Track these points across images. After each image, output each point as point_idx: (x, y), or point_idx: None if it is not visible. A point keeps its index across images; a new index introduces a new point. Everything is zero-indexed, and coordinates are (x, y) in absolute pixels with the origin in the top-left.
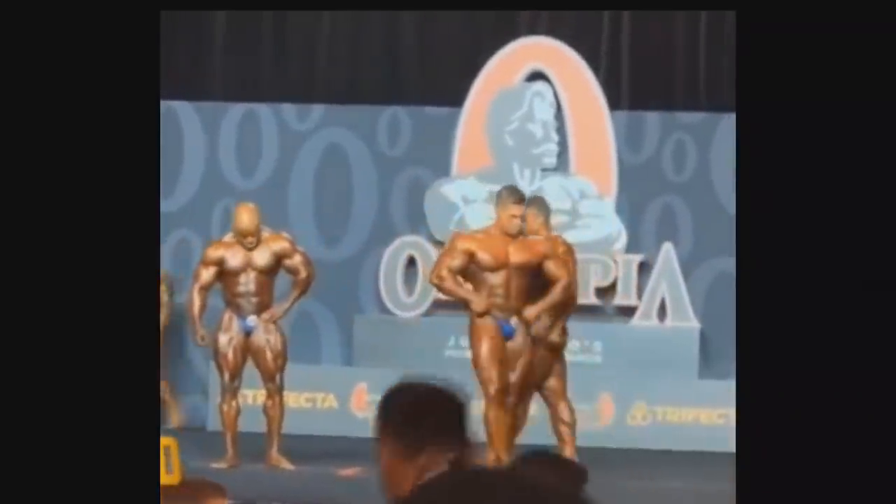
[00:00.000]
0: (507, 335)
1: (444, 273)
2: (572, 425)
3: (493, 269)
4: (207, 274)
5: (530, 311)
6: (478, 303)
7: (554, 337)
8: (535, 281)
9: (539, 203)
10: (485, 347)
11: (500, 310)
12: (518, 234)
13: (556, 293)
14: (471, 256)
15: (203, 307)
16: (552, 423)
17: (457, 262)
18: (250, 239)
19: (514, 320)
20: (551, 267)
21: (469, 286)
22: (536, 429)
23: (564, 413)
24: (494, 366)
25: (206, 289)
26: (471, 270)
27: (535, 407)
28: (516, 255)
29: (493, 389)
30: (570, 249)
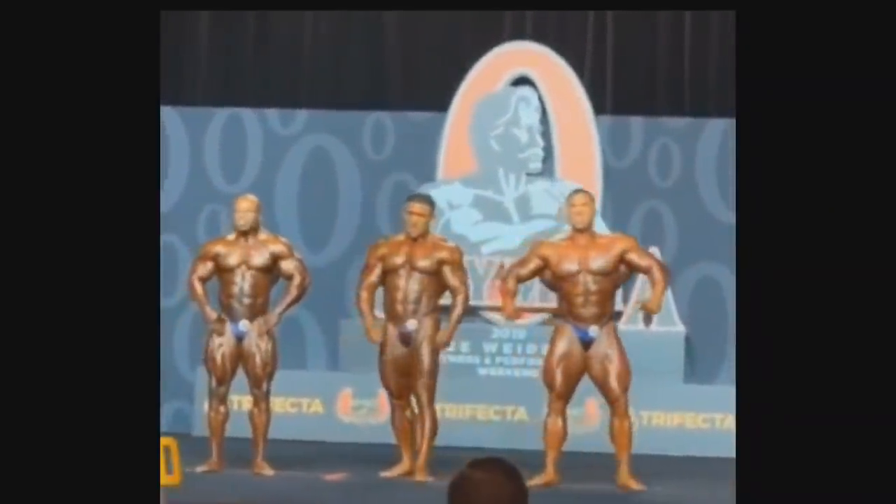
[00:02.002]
0: (585, 343)
1: (509, 276)
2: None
3: (568, 277)
4: (204, 267)
5: (654, 304)
6: (505, 309)
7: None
8: (617, 281)
9: (431, 204)
10: (555, 353)
11: (578, 318)
12: (586, 229)
13: (659, 278)
14: (545, 261)
15: (205, 293)
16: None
17: (525, 269)
18: (244, 219)
19: (593, 328)
20: (634, 258)
21: (511, 297)
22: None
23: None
24: (558, 372)
25: (203, 280)
26: (548, 281)
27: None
28: (595, 262)
29: (551, 395)
30: (458, 254)
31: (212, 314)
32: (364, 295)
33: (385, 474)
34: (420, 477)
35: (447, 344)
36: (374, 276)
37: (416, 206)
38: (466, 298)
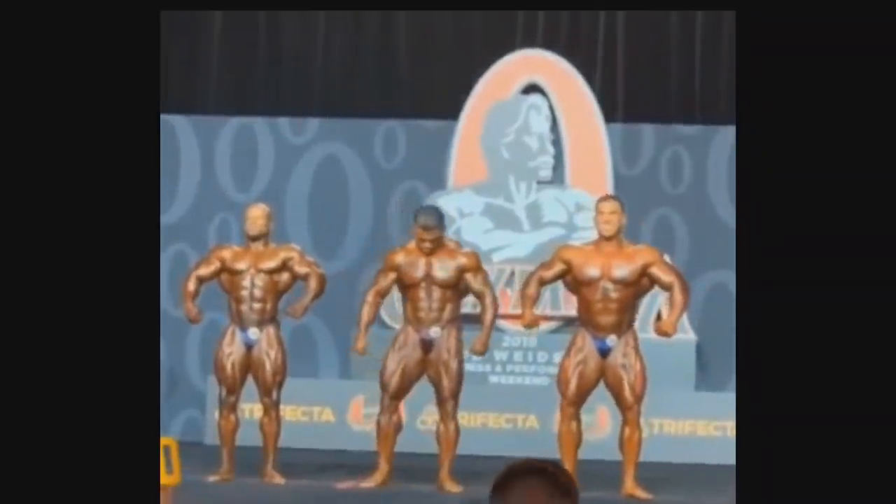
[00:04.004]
0: (603, 352)
1: (531, 280)
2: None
3: (589, 283)
4: (207, 267)
5: (669, 325)
6: (523, 317)
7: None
8: (638, 291)
9: (442, 217)
10: (572, 360)
11: (596, 327)
12: (613, 237)
13: (679, 300)
14: (568, 266)
15: (196, 293)
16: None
17: (549, 272)
18: (255, 227)
19: (611, 338)
20: (657, 273)
21: (531, 305)
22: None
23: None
24: (572, 379)
25: (202, 279)
26: (570, 284)
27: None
28: (618, 270)
29: (563, 402)
30: (476, 258)
31: (192, 309)
32: (370, 300)
33: (363, 484)
34: (450, 487)
35: (484, 352)
36: (388, 282)
37: (427, 225)
38: (495, 300)
